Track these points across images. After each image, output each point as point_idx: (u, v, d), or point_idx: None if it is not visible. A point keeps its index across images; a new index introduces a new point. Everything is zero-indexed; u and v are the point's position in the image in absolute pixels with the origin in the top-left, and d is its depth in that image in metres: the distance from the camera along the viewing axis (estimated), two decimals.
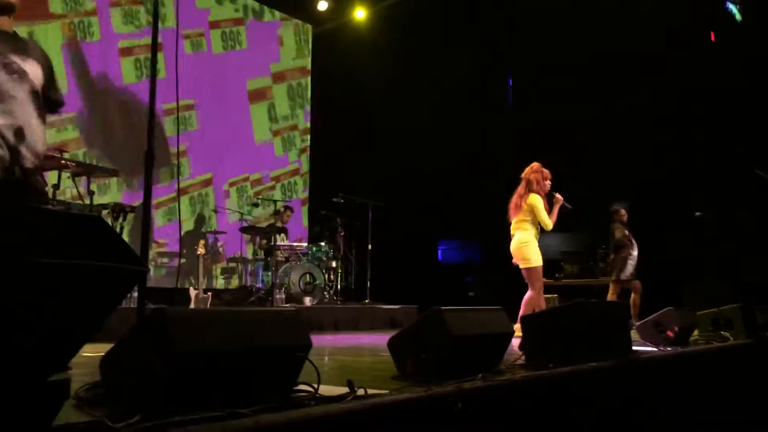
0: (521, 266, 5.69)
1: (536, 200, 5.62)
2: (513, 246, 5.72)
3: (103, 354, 2.04)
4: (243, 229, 8.79)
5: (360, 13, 11.02)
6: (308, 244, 8.91)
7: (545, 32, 9.98)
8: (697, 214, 8.66)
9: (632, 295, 7.51)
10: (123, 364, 1.98)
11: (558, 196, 5.73)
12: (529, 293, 5.70)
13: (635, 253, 7.63)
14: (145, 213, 2.54)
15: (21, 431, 1.30)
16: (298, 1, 10.87)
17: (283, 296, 7.77)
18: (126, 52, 8.62)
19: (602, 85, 9.53)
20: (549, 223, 5.59)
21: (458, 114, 10.72)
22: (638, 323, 5.08)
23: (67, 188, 6.26)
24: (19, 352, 1.21)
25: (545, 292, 8.55)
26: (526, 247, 5.62)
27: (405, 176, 10.64)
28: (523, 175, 5.83)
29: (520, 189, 5.77)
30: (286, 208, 9.09)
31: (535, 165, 5.84)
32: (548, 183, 5.78)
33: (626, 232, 7.76)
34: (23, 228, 1.14)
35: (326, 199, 9.12)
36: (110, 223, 6.03)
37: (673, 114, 9.14)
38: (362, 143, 10.66)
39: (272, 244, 8.15)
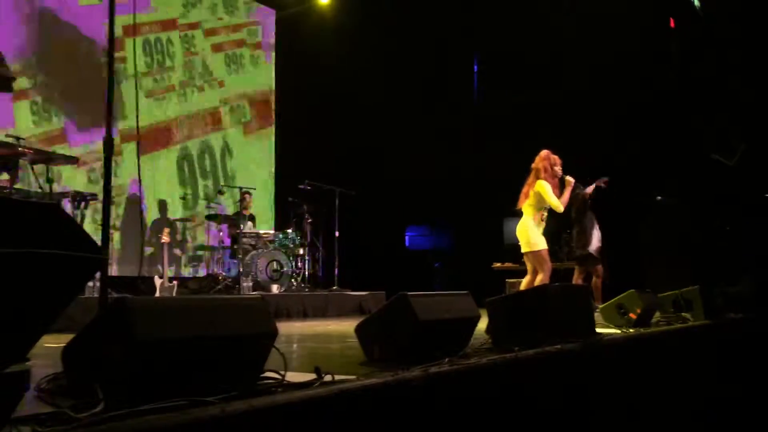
0: (525, 250, 5.80)
1: (542, 186, 5.73)
2: (518, 231, 5.87)
3: (65, 344, 2.00)
4: (209, 217, 8.69)
5: None
6: (275, 231, 8.86)
7: (510, 16, 10.02)
8: (659, 198, 8.83)
9: (593, 278, 7.64)
10: (85, 354, 1.94)
11: (569, 178, 5.87)
12: (528, 277, 5.84)
13: (598, 229, 7.75)
14: (105, 200, 2.50)
15: None
16: None
17: (250, 284, 7.72)
18: None
19: (567, 70, 9.61)
20: (558, 205, 5.74)
21: (426, 99, 10.72)
22: (601, 306, 5.19)
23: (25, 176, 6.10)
24: None
25: (513, 277, 8.68)
26: (529, 231, 5.75)
27: (372, 162, 10.63)
28: (532, 165, 5.93)
29: (530, 178, 5.90)
30: (248, 193, 9.00)
31: (543, 153, 5.96)
32: (558, 168, 5.90)
33: (586, 213, 7.87)
34: None
35: (293, 185, 9.06)
36: (71, 212, 5.90)
37: (636, 99, 9.28)
38: (328, 129, 10.60)
39: (238, 231, 8.08)
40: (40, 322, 1.39)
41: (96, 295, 4.89)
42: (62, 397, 1.88)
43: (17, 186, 5.47)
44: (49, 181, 5.49)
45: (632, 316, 4.50)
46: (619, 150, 9.22)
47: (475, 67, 11.56)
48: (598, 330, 3.92)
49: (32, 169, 5.67)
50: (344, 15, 10.68)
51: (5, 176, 5.34)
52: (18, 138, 5.67)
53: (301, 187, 8.82)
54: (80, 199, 5.96)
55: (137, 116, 3.23)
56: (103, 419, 1.51)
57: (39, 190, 5.49)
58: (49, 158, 5.60)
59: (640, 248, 8.75)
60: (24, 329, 1.34)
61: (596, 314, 4.47)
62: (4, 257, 1.12)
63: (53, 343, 2.04)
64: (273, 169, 10.82)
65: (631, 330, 4.21)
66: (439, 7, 10.37)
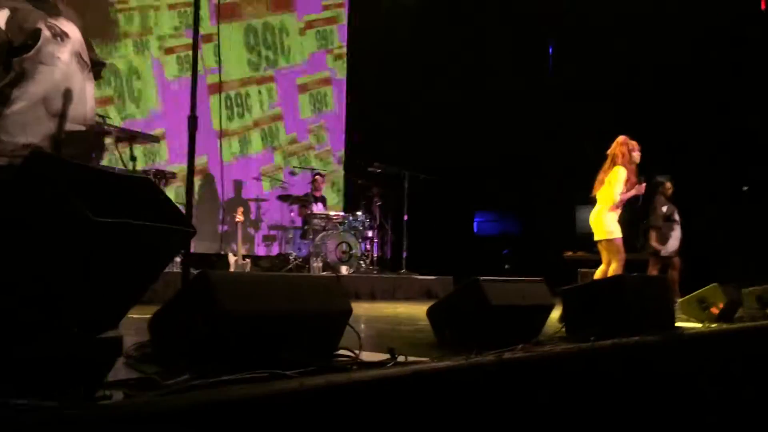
0: (599, 238, 5.65)
1: (616, 172, 5.56)
2: (591, 219, 5.72)
3: (148, 316, 2.08)
4: (281, 198, 8.85)
5: None
6: (345, 213, 8.94)
7: None
8: (745, 188, 8.42)
9: (670, 271, 7.37)
10: (170, 324, 2.02)
11: (641, 186, 5.65)
12: (603, 267, 5.68)
13: (678, 229, 7.46)
14: (189, 177, 2.57)
15: (76, 385, 1.34)
16: None
17: (320, 264, 7.83)
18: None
19: (645, 48, 9.23)
20: (617, 197, 5.52)
21: (497, 81, 10.54)
22: (680, 299, 5.00)
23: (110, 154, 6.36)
24: (75, 309, 1.23)
25: (589, 266, 8.46)
26: (604, 219, 5.59)
27: (442, 146, 10.55)
28: (608, 151, 5.76)
29: (606, 164, 5.72)
30: (320, 175, 9.11)
31: (620, 138, 5.76)
32: (637, 154, 5.70)
33: (666, 207, 7.58)
34: (83, 187, 1.16)
35: (362, 168, 9.11)
36: None
37: (718, 84, 8.84)
38: (399, 112, 10.57)
39: (309, 212, 8.20)
40: (133, 292, 1.44)
41: (175, 270, 5.06)
42: (148, 364, 1.96)
43: (103, 163, 5.72)
44: (133, 159, 5.70)
45: (714, 310, 4.31)
46: (703, 137, 8.82)
47: (550, 49, 11.28)
48: (677, 324, 3.79)
49: (117, 147, 5.91)
50: None
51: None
52: (103, 117, 5.92)
53: (371, 169, 8.86)
54: (161, 177, 6.17)
55: (220, 108, 3.29)
56: (189, 387, 1.57)
57: (123, 168, 5.71)
58: (132, 137, 5.81)
59: (723, 241, 8.38)
60: (119, 298, 1.40)
61: (675, 308, 4.31)
62: (104, 227, 1.16)
63: (134, 314, 2.12)
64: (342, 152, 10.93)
65: (713, 325, 4.04)
66: None
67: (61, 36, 2.85)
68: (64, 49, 2.84)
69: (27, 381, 1.23)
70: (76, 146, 2.86)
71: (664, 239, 7.43)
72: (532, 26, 10.63)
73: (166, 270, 5.28)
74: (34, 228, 1.14)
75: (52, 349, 1.24)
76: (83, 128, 2.92)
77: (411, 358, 2.24)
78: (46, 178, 1.15)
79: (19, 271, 1.13)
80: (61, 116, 2.77)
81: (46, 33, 2.79)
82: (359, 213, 8.69)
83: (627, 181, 5.60)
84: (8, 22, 2.75)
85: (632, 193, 5.64)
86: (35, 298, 1.18)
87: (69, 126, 2.84)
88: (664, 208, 7.51)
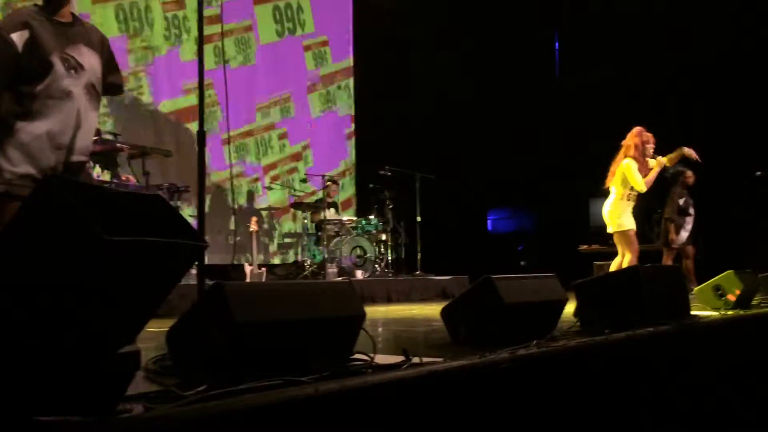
0: (612, 230, 5.65)
1: (628, 164, 5.54)
2: (604, 210, 5.72)
3: (166, 329, 2.12)
4: (293, 205, 8.91)
5: None
6: (357, 217, 8.97)
7: None
8: (758, 173, 8.35)
9: (684, 260, 7.33)
10: (187, 336, 2.06)
11: (660, 158, 5.63)
12: (618, 259, 5.68)
13: (691, 221, 7.41)
14: (200, 191, 2.61)
15: (96, 401, 1.38)
16: None
17: (335, 270, 7.87)
18: None
19: (653, 44, 9.20)
20: (641, 184, 5.50)
21: (505, 79, 10.54)
22: (697, 288, 4.98)
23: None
24: (93, 326, 1.27)
25: (604, 259, 8.44)
26: (615, 211, 5.59)
27: (452, 146, 10.56)
28: (622, 141, 5.74)
29: (618, 155, 5.70)
30: (333, 182, 9.15)
31: (635, 129, 5.73)
32: (650, 146, 5.67)
33: (683, 200, 7.53)
34: (95, 208, 1.20)
35: (373, 171, 9.14)
36: None
37: (727, 69, 8.78)
38: (407, 113, 10.59)
39: (322, 218, 8.25)
40: (148, 306, 1.48)
41: (191, 282, 5.12)
42: (168, 376, 2.01)
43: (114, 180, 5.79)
44: (146, 174, 5.78)
45: (731, 297, 4.29)
46: (713, 124, 8.76)
47: (556, 44, 11.27)
48: (693, 312, 3.78)
49: (129, 164, 6.00)
50: None
51: (106, 174, 5.66)
52: (115, 135, 6.00)
53: (382, 172, 8.88)
54: (174, 190, 6.24)
55: (228, 122, 3.34)
56: (207, 396, 1.60)
57: (137, 184, 5.79)
58: (144, 153, 5.89)
59: (739, 226, 8.31)
60: (134, 313, 1.44)
61: (691, 296, 4.30)
62: (116, 245, 1.20)
63: (152, 327, 2.16)
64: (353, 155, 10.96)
65: (729, 312, 4.03)
66: None
67: (75, 68, 2.81)
68: (77, 82, 2.81)
69: (49, 398, 1.27)
70: (75, 176, 2.87)
71: (677, 231, 7.38)
72: (537, 22, 10.62)
73: (182, 282, 5.35)
74: (50, 249, 1.18)
75: (73, 366, 1.28)
76: (84, 159, 2.93)
77: (425, 359, 2.27)
78: (59, 201, 1.20)
79: (37, 292, 1.18)
80: (66, 149, 2.79)
81: (59, 67, 2.76)
82: (372, 217, 8.72)
83: (638, 172, 5.58)
84: (25, 45, 2.73)
85: (655, 171, 5.59)
86: (54, 317, 1.22)
87: (72, 158, 2.84)
88: (681, 201, 7.45)
